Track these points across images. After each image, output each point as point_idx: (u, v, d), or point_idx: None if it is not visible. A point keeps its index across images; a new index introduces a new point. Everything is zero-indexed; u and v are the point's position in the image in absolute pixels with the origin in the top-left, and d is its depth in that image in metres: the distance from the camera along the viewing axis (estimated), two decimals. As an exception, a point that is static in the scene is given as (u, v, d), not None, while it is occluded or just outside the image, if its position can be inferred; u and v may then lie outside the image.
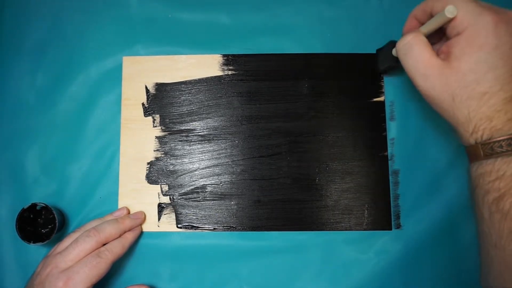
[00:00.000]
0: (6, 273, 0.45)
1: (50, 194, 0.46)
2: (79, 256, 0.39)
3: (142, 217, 0.45)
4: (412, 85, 0.47)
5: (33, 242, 0.42)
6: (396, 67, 0.43)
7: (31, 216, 0.43)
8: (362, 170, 0.46)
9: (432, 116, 0.47)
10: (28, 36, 0.49)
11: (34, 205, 0.43)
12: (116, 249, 0.41)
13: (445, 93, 0.32)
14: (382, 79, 0.47)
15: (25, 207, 0.42)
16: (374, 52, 0.47)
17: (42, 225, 0.43)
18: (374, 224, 0.45)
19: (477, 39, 0.30)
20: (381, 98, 0.47)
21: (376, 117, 0.47)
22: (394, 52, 0.42)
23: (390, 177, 0.46)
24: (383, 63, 0.44)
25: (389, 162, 0.46)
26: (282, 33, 0.48)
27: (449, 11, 0.31)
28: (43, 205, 0.43)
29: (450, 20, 0.32)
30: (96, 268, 0.38)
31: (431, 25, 0.34)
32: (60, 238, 0.43)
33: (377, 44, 0.48)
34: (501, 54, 0.30)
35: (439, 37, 0.37)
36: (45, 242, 0.42)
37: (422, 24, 0.36)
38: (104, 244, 0.41)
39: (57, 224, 0.42)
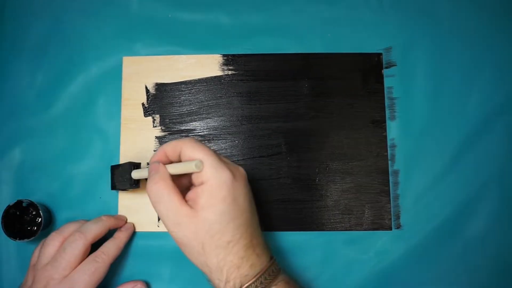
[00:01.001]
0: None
1: (50, 194, 0.46)
2: (71, 263, 0.38)
3: (124, 219, 0.45)
4: (412, 85, 0.47)
5: (19, 239, 0.42)
6: (132, 188, 0.42)
7: (18, 213, 0.43)
8: (362, 170, 0.46)
9: (432, 116, 0.47)
10: (28, 36, 0.49)
11: (20, 202, 0.43)
12: (112, 250, 0.41)
13: (195, 241, 0.33)
14: (382, 79, 0.47)
15: (11, 204, 0.43)
16: (374, 52, 0.47)
17: (29, 222, 0.43)
18: (374, 224, 0.45)
19: (218, 192, 0.33)
20: (381, 98, 0.47)
21: (376, 117, 0.47)
22: (133, 175, 0.41)
23: (390, 177, 0.46)
24: (121, 184, 0.42)
25: (389, 162, 0.46)
26: (282, 33, 0.48)
27: (197, 166, 0.33)
28: (29, 201, 0.43)
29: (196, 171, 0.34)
30: (95, 274, 0.38)
31: (179, 169, 0.35)
32: (47, 234, 0.42)
33: (377, 44, 0.48)
34: (238, 206, 0.34)
35: (186, 177, 0.38)
36: (30, 239, 0.42)
37: (171, 161, 0.37)
38: (92, 244, 0.40)
39: (42, 221, 0.42)
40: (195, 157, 0.34)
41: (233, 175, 0.34)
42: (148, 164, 0.43)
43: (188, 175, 0.36)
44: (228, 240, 0.33)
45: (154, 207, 0.35)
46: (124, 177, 0.42)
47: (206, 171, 0.34)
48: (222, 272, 0.34)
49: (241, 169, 0.36)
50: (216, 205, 0.33)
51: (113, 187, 0.43)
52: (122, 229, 0.44)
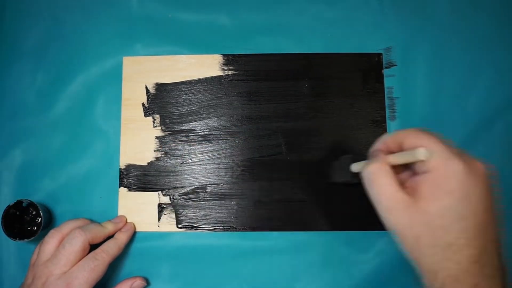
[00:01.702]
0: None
1: (50, 194, 0.46)
2: (70, 260, 0.38)
3: (124, 220, 0.45)
4: (412, 85, 0.47)
5: (19, 239, 0.42)
6: (353, 182, 0.40)
7: (17, 213, 0.43)
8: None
9: (432, 116, 0.47)
10: (28, 36, 0.49)
11: (20, 202, 0.43)
12: (112, 250, 0.41)
13: (409, 232, 0.30)
14: (382, 79, 0.47)
15: (11, 204, 0.43)
16: (374, 52, 0.48)
17: (29, 222, 0.43)
18: (374, 224, 0.45)
19: (446, 184, 0.29)
20: (381, 98, 0.47)
21: (376, 117, 0.47)
22: (352, 167, 0.39)
23: (390, 177, 0.46)
24: (340, 177, 0.42)
25: (389, 162, 0.46)
26: (282, 33, 0.48)
27: (422, 154, 0.29)
28: (29, 201, 0.43)
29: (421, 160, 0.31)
30: (94, 271, 0.38)
31: (400, 159, 0.32)
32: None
33: (377, 44, 0.48)
34: (470, 205, 0.29)
35: (406, 166, 0.34)
36: (31, 239, 0.42)
37: (391, 151, 0.34)
38: (91, 244, 0.40)
39: (42, 221, 0.42)
40: (420, 145, 0.30)
41: (469, 168, 0.29)
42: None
43: (410, 168, 0.32)
44: (450, 241, 0.28)
45: (367, 190, 0.32)
46: (343, 170, 0.41)
47: (432, 160, 0.29)
48: (436, 278, 0.29)
49: (481, 165, 0.30)
50: (441, 197, 0.29)
51: (332, 179, 0.42)
52: (122, 229, 0.44)
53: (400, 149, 0.33)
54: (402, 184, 0.31)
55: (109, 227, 0.43)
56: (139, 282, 0.43)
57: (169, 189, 0.46)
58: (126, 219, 0.45)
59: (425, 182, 0.30)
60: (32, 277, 0.39)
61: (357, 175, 0.38)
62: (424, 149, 0.29)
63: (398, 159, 0.32)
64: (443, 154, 0.29)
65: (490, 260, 0.29)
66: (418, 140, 0.31)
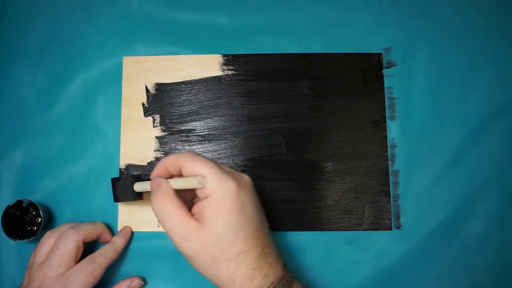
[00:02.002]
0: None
1: (50, 194, 0.46)
2: (64, 260, 0.38)
3: (129, 230, 0.45)
4: (412, 85, 0.47)
5: (19, 239, 0.42)
6: (137, 200, 0.41)
7: (17, 213, 0.43)
8: (362, 170, 0.46)
9: (432, 116, 0.47)
10: (28, 36, 0.49)
11: (20, 202, 0.43)
12: (110, 253, 0.41)
13: (205, 255, 0.33)
14: (382, 79, 0.47)
15: (11, 204, 0.43)
16: (374, 52, 0.48)
17: (29, 222, 0.43)
18: (374, 224, 0.45)
19: (225, 203, 0.32)
20: (381, 98, 0.47)
21: (376, 117, 0.47)
22: (136, 187, 0.40)
23: (390, 177, 0.46)
24: (124, 197, 0.41)
25: (389, 162, 0.46)
26: (282, 33, 0.48)
27: (200, 182, 0.33)
28: (29, 201, 0.43)
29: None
30: (92, 274, 0.39)
31: (182, 185, 0.34)
32: None
33: (377, 44, 0.48)
34: (246, 215, 0.33)
35: (190, 190, 0.37)
36: (31, 239, 0.42)
37: (172, 175, 0.37)
38: (85, 243, 0.41)
39: (42, 221, 0.42)
40: (197, 172, 0.33)
41: (238, 184, 0.33)
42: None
43: (192, 189, 0.35)
44: (238, 251, 0.32)
45: (161, 224, 0.34)
46: (127, 190, 0.41)
47: (209, 185, 0.33)
48: (234, 285, 0.32)
49: (246, 177, 0.35)
50: (223, 216, 0.32)
51: (116, 199, 0.42)
52: (120, 234, 0.44)
53: (180, 174, 0.36)
54: (189, 207, 0.35)
55: (103, 225, 0.43)
56: (137, 281, 0.43)
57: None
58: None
59: (207, 206, 0.33)
60: (28, 279, 0.39)
61: (140, 194, 0.41)
62: (200, 177, 0.33)
63: (179, 185, 0.35)
64: (217, 178, 0.33)
65: (270, 250, 0.34)
66: (194, 167, 0.34)
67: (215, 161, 0.35)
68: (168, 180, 0.35)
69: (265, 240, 0.34)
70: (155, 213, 0.35)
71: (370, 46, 0.48)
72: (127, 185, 0.41)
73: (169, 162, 0.36)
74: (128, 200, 0.41)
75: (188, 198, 0.37)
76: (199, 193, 0.35)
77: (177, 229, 0.33)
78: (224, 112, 0.47)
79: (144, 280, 0.44)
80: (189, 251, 0.33)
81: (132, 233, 0.45)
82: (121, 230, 0.45)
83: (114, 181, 0.42)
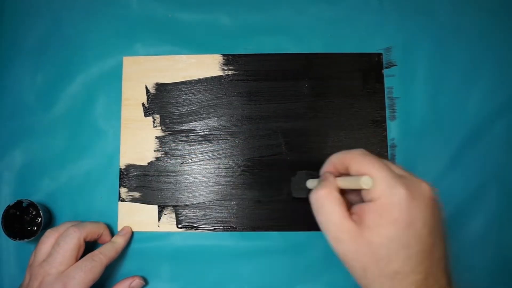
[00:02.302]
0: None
1: (50, 194, 0.46)
2: (66, 258, 0.38)
3: (129, 231, 0.45)
4: (412, 85, 0.47)
5: (19, 239, 0.42)
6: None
7: (18, 213, 0.43)
8: (362, 170, 0.46)
9: (432, 116, 0.47)
10: (28, 36, 0.49)
11: (20, 202, 0.43)
12: (110, 252, 0.41)
13: (357, 262, 0.30)
14: (382, 79, 0.47)
15: (11, 204, 0.43)
16: (374, 52, 0.48)
17: (29, 222, 0.43)
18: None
19: (390, 213, 0.28)
20: (381, 98, 0.47)
21: (376, 117, 0.47)
22: (308, 184, 0.39)
23: (390, 177, 0.46)
24: (297, 192, 0.41)
25: (389, 162, 0.46)
26: (282, 33, 0.48)
27: (365, 183, 0.29)
28: (29, 201, 0.43)
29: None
30: (91, 272, 0.38)
31: (347, 184, 0.31)
32: None
33: (377, 44, 0.48)
34: (414, 232, 0.28)
35: (357, 192, 0.33)
36: (31, 239, 0.42)
37: (340, 173, 0.33)
38: (86, 242, 0.41)
39: (42, 221, 0.43)
40: (364, 172, 0.30)
41: (411, 194, 0.28)
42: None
43: (358, 190, 0.32)
44: (396, 270, 0.28)
45: (315, 216, 0.32)
46: (300, 186, 0.40)
47: (376, 188, 0.29)
48: None
49: (425, 187, 0.30)
50: (385, 227, 0.28)
51: (292, 195, 0.42)
52: (120, 233, 0.44)
53: (347, 172, 0.32)
54: (350, 208, 0.31)
55: (105, 225, 0.43)
56: (137, 281, 0.43)
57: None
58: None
59: (369, 211, 0.29)
60: (29, 278, 0.39)
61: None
62: (367, 177, 0.29)
63: (345, 184, 0.32)
64: (386, 182, 0.29)
65: (436, 281, 0.29)
66: (362, 166, 0.30)
67: (388, 162, 0.31)
68: (337, 178, 0.32)
69: (433, 267, 0.29)
70: (312, 203, 0.32)
71: (370, 46, 0.48)
72: (300, 181, 0.41)
73: (336, 160, 0.33)
74: (301, 196, 0.41)
75: (355, 201, 0.33)
76: (364, 195, 0.30)
77: (331, 226, 0.30)
78: (224, 112, 0.47)
79: (145, 280, 0.44)
80: (340, 253, 0.30)
81: (132, 233, 0.45)
82: (121, 230, 0.45)
83: (292, 178, 0.42)
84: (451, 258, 0.31)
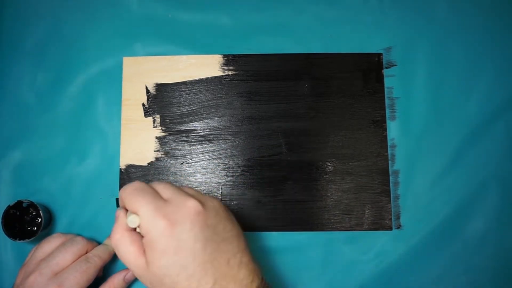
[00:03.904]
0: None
1: (50, 194, 0.46)
2: (65, 258, 0.39)
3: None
4: (412, 85, 0.47)
5: (19, 239, 0.42)
6: None
7: (18, 213, 0.43)
8: (362, 170, 0.46)
9: (432, 116, 0.47)
10: (28, 36, 0.49)
11: (20, 202, 0.43)
12: (104, 254, 0.41)
13: None
14: (382, 79, 0.47)
15: (11, 204, 0.43)
16: (374, 52, 0.48)
17: (29, 222, 0.43)
18: (374, 224, 0.45)
19: (157, 245, 0.30)
20: (381, 98, 0.47)
21: (376, 117, 0.47)
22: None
23: (390, 177, 0.46)
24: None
25: (389, 162, 0.46)
26: (282, 33, 0.48)
27: (131, 222, 0.31)
28: (29, 202, 0.43)
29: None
30: (86, 273, 0.38)
31: (129, 223, 0.33)
32: (47, 235, 0.43)
33: (377, 44, 0.48)
34: (186, 253, 0.30)
35: None
36: (31, 239, 0.42)
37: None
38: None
39: (43, 221, 0.43)
40: (133, 210, 0.32)
41: (171, 221, 0.30)
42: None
43: None
44: None
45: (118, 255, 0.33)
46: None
47: (142, 225, 0.31)
48: None
49: (190, 206, 0.31)
50: (158, 259, 0.30)
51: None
52: None
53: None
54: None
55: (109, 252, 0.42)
56: (131, 273, 0.43)
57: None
58: None
59: (145, 246, 0.31)
60: (22, 276, 0.39)
61: None
62: (133, 216, 0.31)
63: (129, 223, 0.32)
64: (147, 217, 0.30)
65: (226, 281, 0.31)
66: (131, 204, 0.32)
67: (162, 187, 0.33)
68: (125, 219, 0.34)
69: (220, 271, 0.31)
70: (112, 244, 0.33)
71: (370, 46, 0.48)
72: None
73: (120, 195, 0.34)
74: None
75: None
76: (141, 231, 0.32)
77: (128, 265, 0.32)
78: (224, 112, 0.47)
79: None
80: (141, 281, 0.33)
81: None
82: None
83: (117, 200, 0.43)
84: (247, 248, 0.33)
